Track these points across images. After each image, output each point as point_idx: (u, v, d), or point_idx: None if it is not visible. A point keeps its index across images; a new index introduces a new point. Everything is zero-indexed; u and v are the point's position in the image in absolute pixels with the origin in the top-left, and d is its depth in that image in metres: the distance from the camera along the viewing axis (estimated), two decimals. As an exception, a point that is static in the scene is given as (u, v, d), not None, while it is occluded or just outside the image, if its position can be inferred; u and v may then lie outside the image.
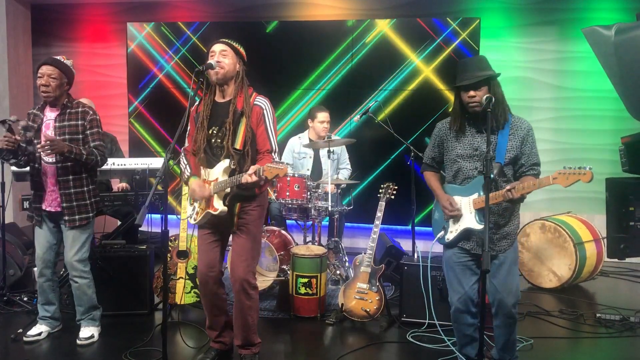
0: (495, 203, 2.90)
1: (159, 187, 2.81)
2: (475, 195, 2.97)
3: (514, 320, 3.04)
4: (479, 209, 2.96)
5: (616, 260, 6.14)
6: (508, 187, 2.82)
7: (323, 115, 5.43)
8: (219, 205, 3.11)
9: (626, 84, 2.09)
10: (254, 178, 2.91)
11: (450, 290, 3.16)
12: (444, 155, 3.15)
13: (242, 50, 3.24)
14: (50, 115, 3.67)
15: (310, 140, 5.46)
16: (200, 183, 3.17)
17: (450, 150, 3.08)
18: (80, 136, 3.65)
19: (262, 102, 3.23)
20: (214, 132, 3.19)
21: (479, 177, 2.97)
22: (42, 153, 3.55)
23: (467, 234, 3.02)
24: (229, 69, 3.15)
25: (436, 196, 3.18)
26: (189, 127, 3.32)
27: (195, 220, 3.26)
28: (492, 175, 2.90)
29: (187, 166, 3.30)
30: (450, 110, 3.26)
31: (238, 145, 3.13)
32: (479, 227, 2.95)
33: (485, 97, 2.82)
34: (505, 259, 3.00)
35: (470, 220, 2.99)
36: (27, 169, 3.75)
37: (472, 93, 2.89)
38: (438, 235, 3.17)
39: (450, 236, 3.08)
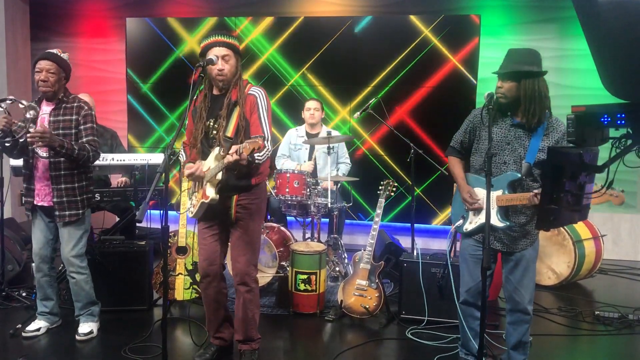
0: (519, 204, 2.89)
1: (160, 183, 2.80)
2: (500, 192, 2.93)
3: (529, 317, 3.04)
4: (501, 207, 2.93)
5: (615, 257, 6.22)
6: (535, 191, 2.80)
7: (310, 103, 5.51)
8: (210, 193, 3.09)
9: (604, 51, 2.04)
10: (235, 157, 2.88)
11: (461, 281, 3.16)
12: (474, 143, 3.10)
13: (237, 44, 3.22)
14: (45, 109, 3.65)
15: (307, 133, 5.48)
16: (191, 165, 3.16)
17: (482, 140, 3.03)
18: (74, 131, 3.62)
19: (256, 91, 3.21)
20: (211, 124, 3.19)
21: (506, 173, 2.94)
22: (33, 145, 3.52)
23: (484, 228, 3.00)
24: (231, 73, 3.15)
25: (458, 185, 3.16)
26: (187, 121, 3.32)
27: (192, 213, 3.26)
28: (519, 175, 2.88)
29: (185, 155, 3.32)
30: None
31: (229, 133, 3.11)
32: (500, 225, 2.93)
33: (487, 93, 2.81)
34: (522, 256, 2.99)
35: (491, 216, 2.95)
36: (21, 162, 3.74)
37: (499, 83, 2.86)
38: (456, 224, 3.15)
39: (468, 227, 3.06)
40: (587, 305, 4.69)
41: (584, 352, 3.86)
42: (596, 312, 4.33)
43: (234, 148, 2.91)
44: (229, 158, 2.91)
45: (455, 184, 3.22)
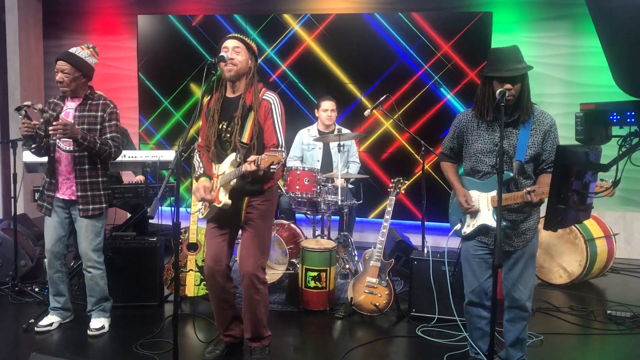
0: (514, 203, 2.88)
1: (171, 179, 2.80)
2: (494, 193, 2.91)
3: (527, 315, 3.03)
4: (497, 207, 2.93)
5: (627, 256, 6.17)
6: (528, 189, 2.79)
7: (327, 104, 5.43)
8: (223, 198, 3.11)
9: (616, 47, 2.02)
10: (253, 167, 2.89)
11: (465, 282, 3.16)
12: (463, 147, 3.10)
13: (253, 45, 3.24)
14: (70, 104, 3.73)
15: (319, 131, 5.47)
16: (207, 185, 3.16)
17: (470, 144, 3.03)
18: (99, 127, 3.70)
19: (270, 97, 3.22)
20: (224, 126, 3.20)
21: None
22: (57, 139, 3.58)
23: (483, 230, 3.00)
24: (242, 65, 3.15)
25: (454, 189, 3.16)
26: (201, 123, 3.33)
27: (202, 214, 3.27)
28: (511, 174, 2.87)
29: (201, 164, 3.30)
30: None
31: (245, 139, 3.13)
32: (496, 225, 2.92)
33: (499, 91, 2.79)
34: (523, 253, 2.98)
35: (487, 217, 2.97)
36: (43, 159, 3.80)
37: (509, 86, 2.80)
38: (455, 228, 3.15)
39: (467, 230, 3.06)
40: (599, 304, 4.66)
41: (595, 352, 3.83)
42: (608, 312, 4.30)
43: (251, 158, 2.91)
44: (247, 167, 2.91)
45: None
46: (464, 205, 3.02)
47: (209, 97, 3.31)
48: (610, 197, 2.51)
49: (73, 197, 3.68)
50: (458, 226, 3.13)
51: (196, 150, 3.36)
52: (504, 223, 2.91)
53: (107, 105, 3.75)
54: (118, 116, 3.81)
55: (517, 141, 2.90)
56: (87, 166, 3.67)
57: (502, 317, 3.15)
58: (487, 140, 2.97)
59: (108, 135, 3.71)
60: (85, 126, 3.65)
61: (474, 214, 3.03)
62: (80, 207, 3.67)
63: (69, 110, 3.71)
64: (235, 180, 3.08)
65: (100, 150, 3.62)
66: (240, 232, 3.37)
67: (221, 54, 3.10)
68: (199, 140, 3.36)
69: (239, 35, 3.19)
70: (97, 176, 3.72)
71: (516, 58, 2.87)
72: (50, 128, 3.45)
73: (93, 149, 3.59)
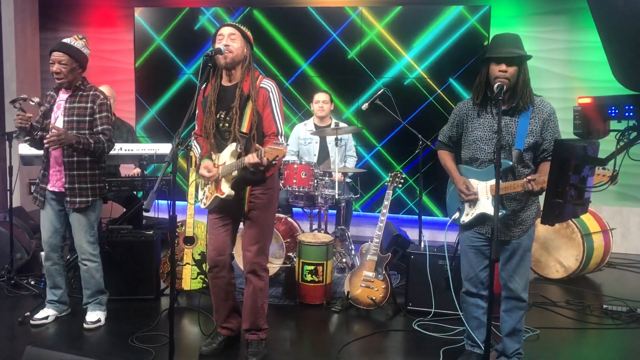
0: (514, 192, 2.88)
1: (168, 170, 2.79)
2: (493, 181, 2.89)
3: (524, 304, 3.04)
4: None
5: (624, 251, 6.19)
6: (529, 177, 2.78)
7: (318, 96, 5.50)
8: (226, 189, 3.11)
9: (616, 41, 2.00)
10: (255, 159, 2.90)
11: (462, 270, 3.17)
12: (462, 135, 3.10)
13: (249, 33, 3.22)
14: (62, 96, 3.72)
15: (315, 125, 5.47)
16: (209, 165, 3.17)
17: (470, 132, 3.02)
18: (88, 118, 3.67)
19: (268, 84, 3.20)
20: (222, 116, 3.18)
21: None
22: (51, 149, 3.58)
23: (482, 218, 3.00)
24: (237, 53, 3.12)
25: (452, 177, 3.14)
26: (197, 112, 3.31)
27: (204, 204, 3.27)
28: (510, 163, 2.87)
29: (198, 149, 3.31)
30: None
31: (244, 129, 3.12)
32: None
33: (496, 85, 2.78)
34: (519, 245, 2.98)
35: (487, 206, 2.96)
36: (39, 152, 3.81)
37: (504, 67, 2.82)
38: (453, 217, 3.14)
39: (465, 219, 3.05)
40: (595, 298, 4.67)
41: (591, 346, 3.84)
42: (604, 306, 4.31)
43: (253, 153, 2.92)
44: (250, 160, 2.92)
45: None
46: (464, 192, 3.01)
47: (204, 86, 3.28)
48: (614, 185, 2.51)
49: (62, 189, 3.67)
50: (457, 215, 3.11)
51: (193, 138, 3.37)
52: (504, 211, 2.91)
53: (97, 97, 3.72)
54: (109, 107, 3.78)
55: (517, 129, 2.89)
56: (75, 158, 3.65)
57: (499, 310, 3.15)
58: (487, 128, 2.96)
59: (99, 128, 3.68)
60: (75, 117, 3.63)
61: (473, 202, 3.02)
62: (68, 199, 3.66)
63: (61, 102, 3.70)
64: (236, 171, 3.08)
65: (95, 149, 3.61)
66: (242, 221, 3.36)
67: (217, 45, 3.08)
68: (196, 128, 3.35)
69: (234, 23, 3.17)
70: (86, 169, 3.69)
71: (514, 44, 2.89)
72: (45, 141, 3.45)
73: (88, 150, 3.59)
